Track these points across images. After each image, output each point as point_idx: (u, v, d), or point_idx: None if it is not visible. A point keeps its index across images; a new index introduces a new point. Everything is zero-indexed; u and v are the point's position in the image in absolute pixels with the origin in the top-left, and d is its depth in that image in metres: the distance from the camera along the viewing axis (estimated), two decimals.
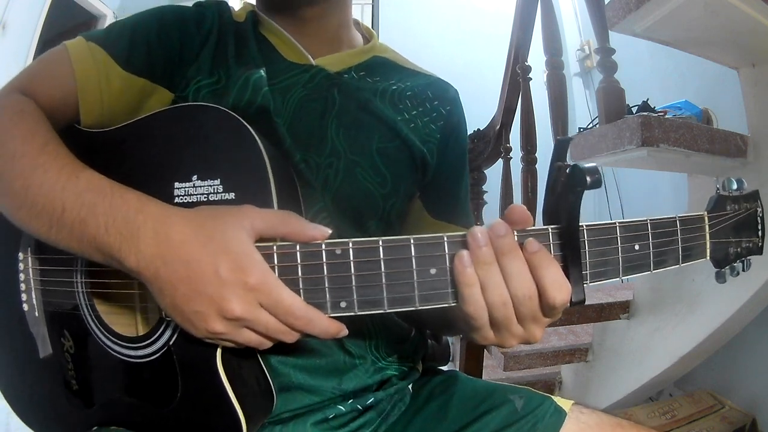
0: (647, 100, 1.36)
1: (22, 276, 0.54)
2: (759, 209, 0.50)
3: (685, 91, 1.86)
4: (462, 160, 0.71)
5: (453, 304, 0.40)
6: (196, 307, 0.38)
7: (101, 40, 0.55)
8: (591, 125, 1.34)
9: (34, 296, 0.54)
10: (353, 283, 0.39)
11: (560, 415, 0.56)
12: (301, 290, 0.39)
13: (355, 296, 0.39)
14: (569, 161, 0.40)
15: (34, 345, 0.54)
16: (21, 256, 0.54)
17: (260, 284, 0.38)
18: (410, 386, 0.64)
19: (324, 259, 0.39)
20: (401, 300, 0.39)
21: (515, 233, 0.39)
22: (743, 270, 0.49)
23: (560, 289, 0.38)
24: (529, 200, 1.46)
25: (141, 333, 0.49)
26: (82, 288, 0.51)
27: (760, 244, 0.50)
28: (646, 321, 1.44)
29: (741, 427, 1.37)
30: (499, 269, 0.38)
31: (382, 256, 0.39)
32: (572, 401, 0.58)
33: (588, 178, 0.37)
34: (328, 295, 0.40)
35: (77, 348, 0.52)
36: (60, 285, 0.52)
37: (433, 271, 0.39)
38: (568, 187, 0.39)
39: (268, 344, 0.41)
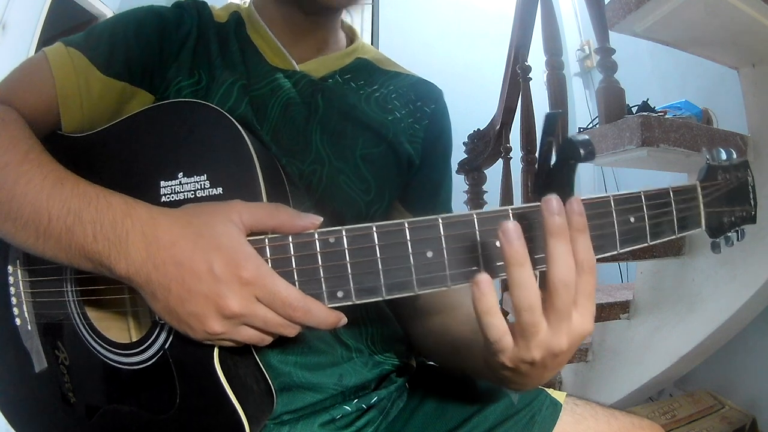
0: (647, 100, 1.36)
1: (12, 290, 0.53)
2: (750, 178, 0.49)
3: (685, 91, 1.86)
4: (445, 158, 0.71)
5: (452, 286, 0.39)
6: (192, 308, 0.38)
7: (81, 45, 0.54)
8: (591, 125, 1.34)
9: (25, 309, 0.53)
10: (349, 271, 0.39)
11: (556, 407, 0.56)
12: (297, 282, 0.39)
13: (351, 284, 0.39)
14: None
15: (28, 359, 0.53)
16: (10, 269, 0.53)
17: (255, 277, 0.37)
18: (406, 383, 0.65)
19: (318, 249, 0.39)
20: (399, 285, 0.39)
21: (510, 208, 0.38)
22: (738, 240, 0.49)
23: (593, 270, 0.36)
24: (529, 200, 1.45)
25: (134, 338, 0.48)
26: (72, 297, 0.50)
27: (753, 212, 0.50)
28: (646, 321, 1.44)
29: (741, 427, 1.37)
30: (529, 270, 0.35)
31: (376, 241, 0.38)
32: (565, 393, 0.58)
33: (581, 150, 0.36)
34: (324, 286, 0.39)
35: (72, 359, 0.51)
36: (51, 296, 0.51)
37: (429, 254, 0.38)
38: (561, 160, 0.38)
39: (269, 340, 0.41)
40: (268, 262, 0.39)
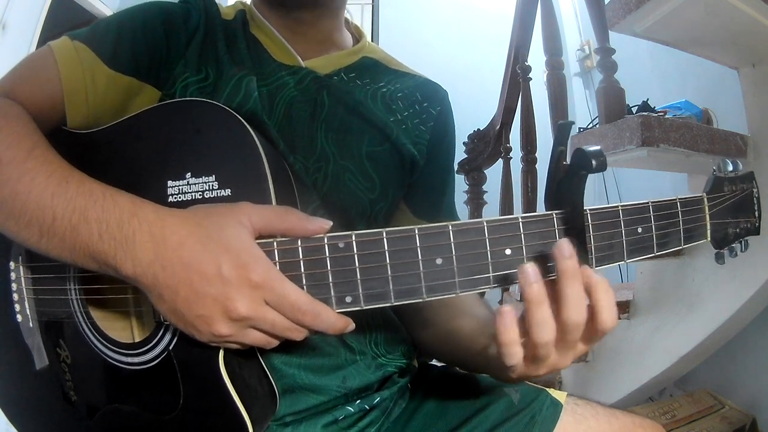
0: (647, 100, 1.36)
1: (14, 286, 0.53)
2: (755, 190, 0.50)
3: (685, 91, 1.86)
4: (449, 160, 0.71)
5: (461, 293, 0.39)
6: (200, 310, 0.37)
7: (87, 39, 0.53)
8: (591, 125, 1.34)
9: (27, 306, 0.53)
10: (358, 277, 0.38)
11: (557, 407, 0.56)
12: (305, 286, 0.39)
13: (360, 290, 0.39)
14: (569, 161, 0.39)
15: (29, 357, 0.53)
16: (12, 265, 0.53)
17: (264, 280, 0.37)
18: (408, 384, 0.65)
19: (327, 254, 0.39)
20: (407, 292, 0.39)
21: (520, 219, 0.39)
22: (742, 251, 0.50)
23: (613, 315, 0.38)
24: (529, 200, 1.46)
25: (137, 338, 0.48)
26: (76, 295, 0.50)
27: (757, 224, 0.50)
28: (646, 321, 1.44)
29: (741, 427, 1.37)
30: (548, 309, 0.37)
31: (386, 247, 0.38)
32: (566, 393, 0.58)
33: (593, 161, 0.37)
34: (332, 291, 0.39)
35: (74, 358, 0.51)
36: (53, 293, 0.51)
37: (438, 261, 0.39)
38: (572, 170, 0.38)
39: (275, 343, 0.41)
40: (276, 266, 0.39)
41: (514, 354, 0.38)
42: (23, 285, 0.53)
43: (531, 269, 0.37)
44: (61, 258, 0.41)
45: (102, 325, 0.49)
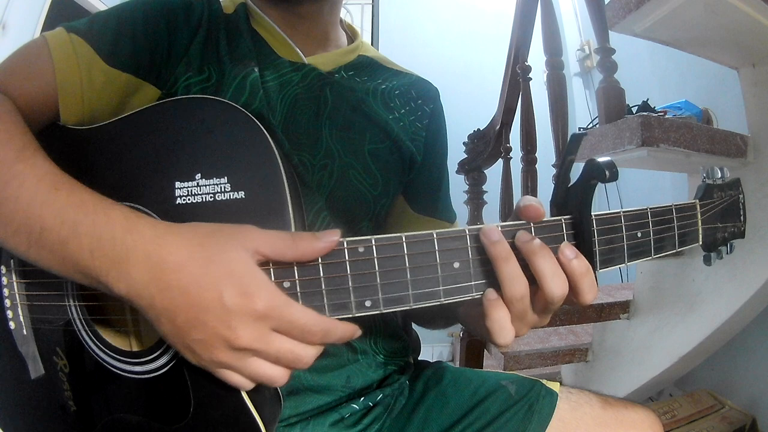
0: (647, 100, 1.36)
1: (5, 291, 0.50)
2: (741, 196, 0.53)
3: (685, 91, 1.86)
4: (444, 156, 0.73)
5: (476, 296, 0.40)
6: (199, 335, 0.35)
7: (84, 32, 0.50)
8: (591, 125, 1.34)
9: (20, 312, 0.50)
10: (378, 281, 0.38)
11: (553, 396, 0.58)
12: (324, 291, 0.38)
13: (380, 294, 0.38)
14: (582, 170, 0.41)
15: (24, 366, 0.50)
16: (3, 269, 0.50)
17: (269, 309, 0.35)
18: (407, 380, 0.66)
19: (347, 258, 0.38)
20: (426, 295, 0.39)
21: (532, 225, 0.40)
22: (727, 253, 0.53)
23: (592, 289, 0.39)
24: None
25: (134, 346, 0.47)
26: (74, 301, 0.47)
27: (742, 228, 0.53)
28: (646, 321, 1.44)
29: (741, 427, 1.37)
30: (516, 263, 0.38)
31: (406, 251, 0.38)
32: (559, 383, 0.60)
33: (607, 172, 0.39)
34: (352, 295, 0.38)
35: (73, 366, 0.48)
36: (49, 299, 0.48)
37: (456, 264, 0.39)
38: (584, 179, 0.40)
39: (280, 381, 0.38)
40: (294, 270, 0.37)
41: (505, 330, 0.39)
42: (15, 290, 0.50)
43: (492, 228, 0.38)
44: (51, 270, 0.39)
45: (104, 332, 0.48)
